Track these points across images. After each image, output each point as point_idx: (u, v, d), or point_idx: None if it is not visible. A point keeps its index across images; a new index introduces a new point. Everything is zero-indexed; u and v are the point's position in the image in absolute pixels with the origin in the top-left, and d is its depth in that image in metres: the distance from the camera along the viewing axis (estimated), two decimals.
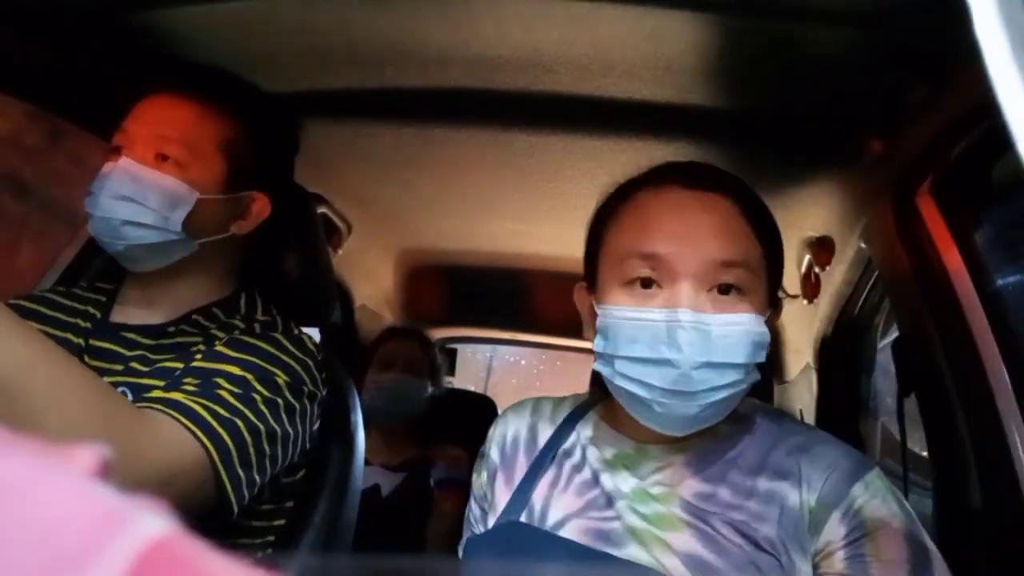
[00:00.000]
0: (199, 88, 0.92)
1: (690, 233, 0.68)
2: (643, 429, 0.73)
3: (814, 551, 0.68)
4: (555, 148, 1.32)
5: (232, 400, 0.76)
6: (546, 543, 0.73)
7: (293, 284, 1.06)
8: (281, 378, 0.82)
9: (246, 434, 0.75)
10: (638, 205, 0.73)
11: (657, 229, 0.69)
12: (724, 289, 0.68)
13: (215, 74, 0.96)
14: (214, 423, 0.73)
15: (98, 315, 0.93)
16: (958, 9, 0.25)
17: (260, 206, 0.94)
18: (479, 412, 2.37)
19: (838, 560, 0.67)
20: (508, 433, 0.84)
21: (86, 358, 0.88)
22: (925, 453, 1.13)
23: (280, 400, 0.81)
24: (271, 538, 0.94)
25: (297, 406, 0.84)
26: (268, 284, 1.01)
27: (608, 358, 0.70)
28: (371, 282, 2.19)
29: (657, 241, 0.68)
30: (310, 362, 0.88)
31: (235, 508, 0.75)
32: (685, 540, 0.68)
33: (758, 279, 0.70)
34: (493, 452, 0.84)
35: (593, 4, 0.87)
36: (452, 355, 3.12)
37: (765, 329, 0.68)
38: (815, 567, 0.68)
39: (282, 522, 0.96)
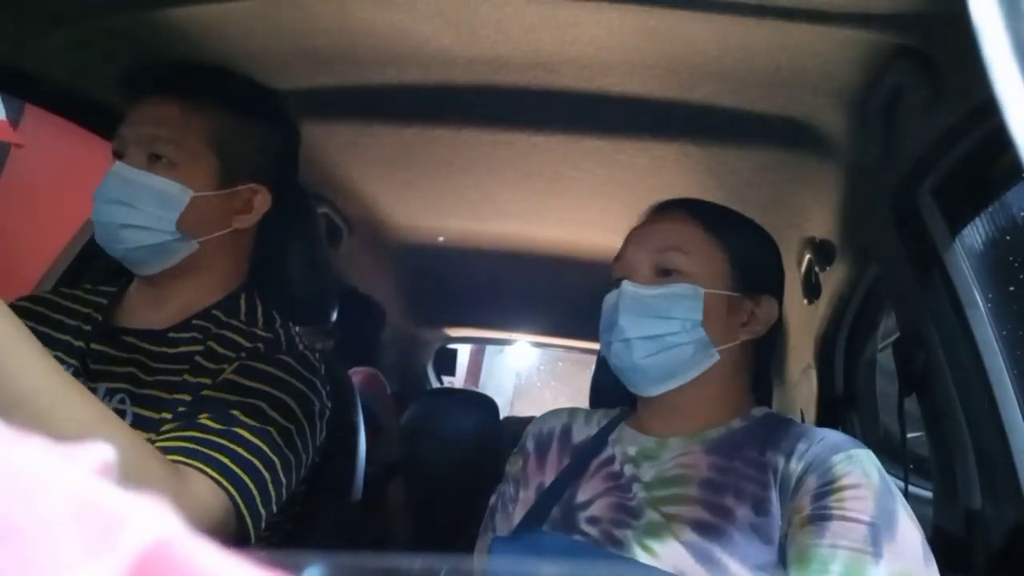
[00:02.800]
0: (184, 85, 0.92)
1: (638, 237, 0.89)
2: (662, 425, 0.86)
3: (790, 508, 0.73)
4: (556, 148, 1.32)
5: (250, 436, 0.77)
6: (570, 550, 0.79)
7: (293, 284, 1.06)
8: (292, 402, 0.83)
9: (264, 472, 0.78)
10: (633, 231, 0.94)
11: (627, 240, 0.91)
12: (661, 272, 0.85)
13: (201, 70, 0.96)
14: (237, 469, 0.75)
15: (99, 318, 0.92)
16: (958, 9, 0.25)
17: (261, 199, 0.93)
18: (479, 410, 2.37)
19: (804, 510, 0.71)
20: (544, 429, 0.96)
21: (88, 361, 0.88)
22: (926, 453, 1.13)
23: (293, 427, 0.82)
24: (274, 539, 0.94)
25: (308, 428, 0.85)
26: (268, 284, 1.01)
27: (600, 339, 0.89)
28: (371, 282, 2.19)
29: (625, 246, 0.90)
30: (317, 381, 0.88)
31: (253, 540, 0.78)
32: (695, 510, 0.76)
33: (698, 260, 0.85)
34: (529, 443, 0.95)
35: (594, 4, 0.87)
36: (452, 355, 3.13)
37: (699, 294, 0.83)
38: (788, 523, 0.72)
39: (284, 522, 0.96)
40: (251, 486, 0.76)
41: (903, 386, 1.08)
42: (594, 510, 0.82)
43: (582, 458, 0.88)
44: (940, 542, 0.73)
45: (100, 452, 0.18)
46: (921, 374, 1.02)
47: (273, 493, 0.79)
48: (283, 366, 0.85)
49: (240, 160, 0.91)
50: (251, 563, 0.17)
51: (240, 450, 0.76)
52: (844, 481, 0.70)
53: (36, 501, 0.15)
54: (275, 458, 0.79)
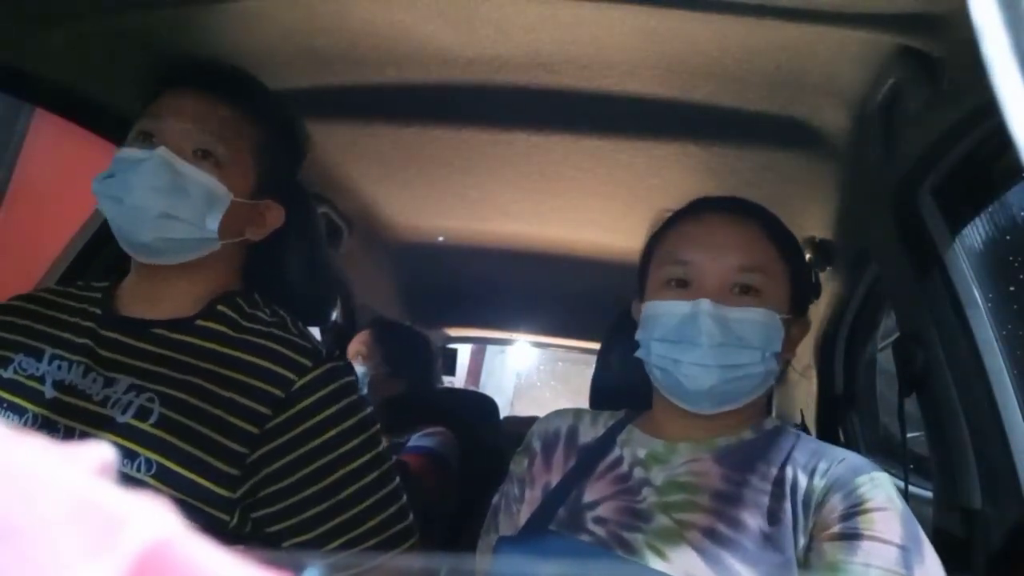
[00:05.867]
0: (238, 90, 0.91)
1: (716, 244, 0.82)
2: (674, 430, 0.85)
3: (812, 525, 0.73)
4: (556, 148, 1.32)
5: (364, 505, 0.84)
6: (576, 551, 0.79)
7: (293, 284, 1.06)
8: (360, 440, 0.85)
9: (393, 508, 0.86)
10: (679, 227, 0.87)
11: (690, 241, 0.84)
12: (743, 289, 0.80)
13: (249, 78, 0.96)
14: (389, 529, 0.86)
15: (98, 311, 0.92)
16: (958, 9, 0.25)
17: (274, 214, 0.94)
18: (479, 410, 2.37)
19: (833, 530, 0.71)
20: (550, 429, 0.94)
21: (98, 350, 0.87)
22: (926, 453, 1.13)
23: (371, 455, 0.86)
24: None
25: (381, 447, 0.88)
26: (268, 284, 1.01)
27: (646, 343, 0.84)
28: (371, 282, 2.20)
29: (689, 250, 0.83)
30: (357, 398, 0.89)
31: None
32: (707, 518, 0.76)
33: (775, 283, 0.82)
34: (535, 442, 0.94)
35: (593, 4, 0.87)
36: (452, 355, 3.13)
37: (778, 323, 0.80)
38: (811, 539, 0.73)
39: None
40: (403, 532, 0.87)
41: (903, 386, 1.08)
42: (601, 511, 0.82)
43: (589, 459, 0.88)
44: (940, 542, 0.73)
45: (100, 452, 0.18)
46: (921, 374, 1.02)
47: (407, 509, 0.89)
48: (333, 401, 0.86)
49: (272, 175, 0.93)
50: (251, 563, 0.17)
51: (375, 520, 0.85)
52: (872, 503, 0.71)
53: (36, 501, 0.15)
54: (388, 493, 0.87)
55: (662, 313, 0.81)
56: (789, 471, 0.77)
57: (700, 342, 0.77)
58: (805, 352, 1.64)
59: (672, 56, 0.98)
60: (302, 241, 1.07)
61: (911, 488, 1.07)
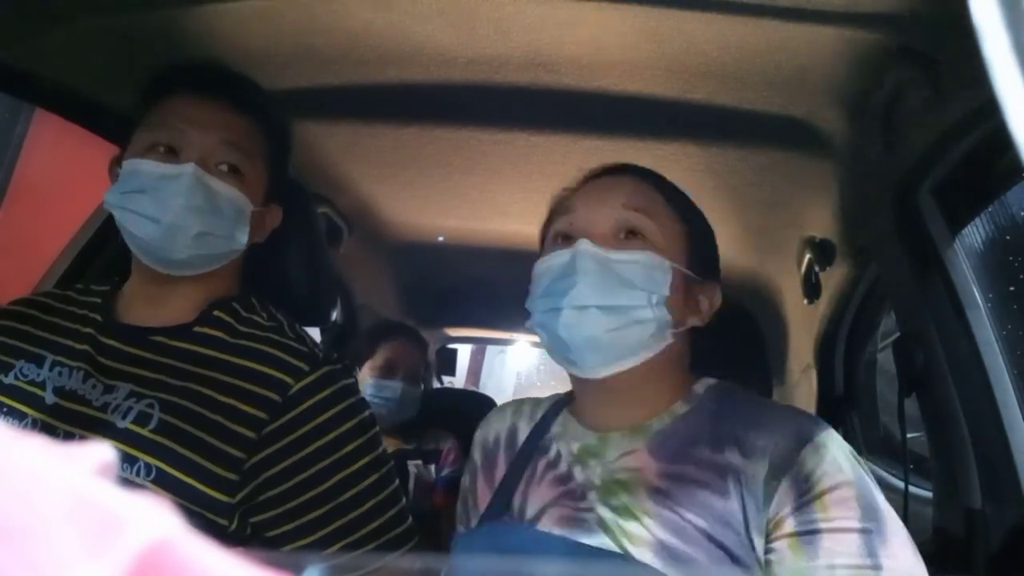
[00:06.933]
0: (250, 99, 0.91)
1: (599, 192, 0.80)
2: (604, 419, 0.79)
3: (766, 521, 0.67)
4: (556, 147, 1.33)
5: (364, 508, 0.84)
6: (530, 540, 0.75)
7: (293, 284, 1.06)
8: (358, 442, 0.85)
9: (393, 511, 0.87)
10: (575, 189, 0.85)
11: (577, 195, 0.82)
12: (629, 234, 0.76)
13: (254, 84, 0.96)
14: (388, 533, 0.85)
15: (99, 318, 0.92)
16: (958, 9, 0.25)
17: (274, 215, 0.96)
18: (479, 410, 2.37)
19: (788, 528, 0.66)
20: (490, 436, 0.90)
21: (98, 357, 0.86)
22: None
23: (370, 457, 0.86)
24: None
25: (381, 449, 0.88)
26: (269, 284, 1.01)
27: (532, 305, 0.79)
28: (371, 282, 2.19)
29: (575, 200, 0.80)
30: (355, 399, 0.89)
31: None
32: (653, 528, 0.70)
33: (664, 232, 0.77)
34: (476, 454, 0.90)
35: (594, 4, 0.87)
36: (452, 355, 3.13)
37: (666, 267, 0.75)
38: (767, 538, 0.67)
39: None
40: (401, 536, 0.87)
41: (903, 386, 1.08)
42: (546, 522, 0.76)
43: (523, 460, 0.82)
44: (940, 542, 0.73)
45: (99, 452, 0.18)
46: (921, 374, 1.02)
47: (405, 510, 0.88)
48: (333, 404, 0.86)
49: (277, 181, 0.94)
50: (251, 563, 0.17)
51: (377, 522, 0.84)
52: (823, 485, 0.66)
53: (36, 501, 0.15)
54: (386, 496, 0.86)
55: (546, 268, 0.77)
56: (728, 455, 0.71)
57: (576, 281, 0.72)
58: (805, 352, 1.64)
59: (672, 56, 0.98)
60: (302, 242, 1.07)
61: (911, 488, 1.07)
